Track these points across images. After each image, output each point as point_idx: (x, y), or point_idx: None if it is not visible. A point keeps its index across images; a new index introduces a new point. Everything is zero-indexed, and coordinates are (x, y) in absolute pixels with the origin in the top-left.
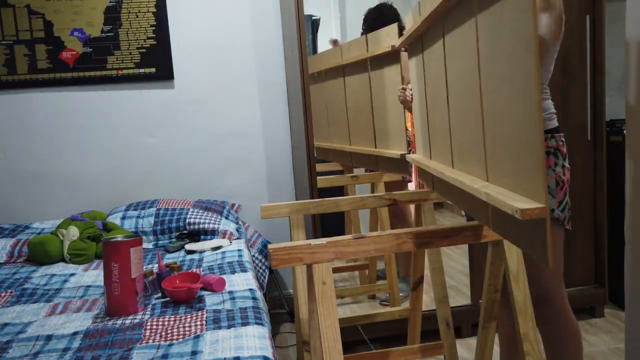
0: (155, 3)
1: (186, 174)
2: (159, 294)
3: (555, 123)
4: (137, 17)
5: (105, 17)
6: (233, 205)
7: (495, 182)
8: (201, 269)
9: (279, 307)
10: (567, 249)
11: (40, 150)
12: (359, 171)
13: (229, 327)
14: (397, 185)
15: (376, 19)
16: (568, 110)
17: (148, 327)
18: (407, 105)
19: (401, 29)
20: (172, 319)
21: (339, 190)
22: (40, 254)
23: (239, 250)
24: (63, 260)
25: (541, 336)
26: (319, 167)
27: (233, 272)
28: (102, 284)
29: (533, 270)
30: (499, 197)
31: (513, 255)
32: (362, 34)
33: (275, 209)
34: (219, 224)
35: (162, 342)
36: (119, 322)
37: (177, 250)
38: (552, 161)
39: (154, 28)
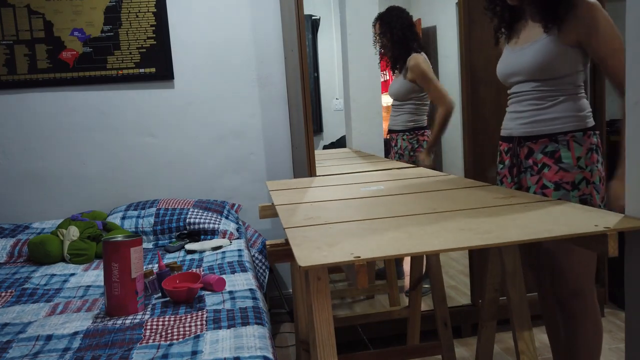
0: (155, 3)
1: (186, 174)
2: (159, 294)
3: (593, 121)
4: (137, 17)
5: (105, 17)
6: (233, 205)
7: None
8: (201, 269)
9: (279, 307)
10: None
11: (40, 150)
12: None
13: (229, 327)
14: None
15: (392, 20)
16: None
17: (148, 327)
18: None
19: (415, 29)
20: (172, 319)
21: None
22: (40, 254)
23: (239, 250)
24: (63, 260)
25: (565, 332)
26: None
27: (233, 272)
28: (102, 284)
29: (566, 265)
30: None
31: (510, 255)
32: (377, 36)
33: (274, 208)
34: (219, 224)
35: (162, 342)
36: (119, 322)
37: (177, 250)
38: (596, 158)
39: (154, 28)
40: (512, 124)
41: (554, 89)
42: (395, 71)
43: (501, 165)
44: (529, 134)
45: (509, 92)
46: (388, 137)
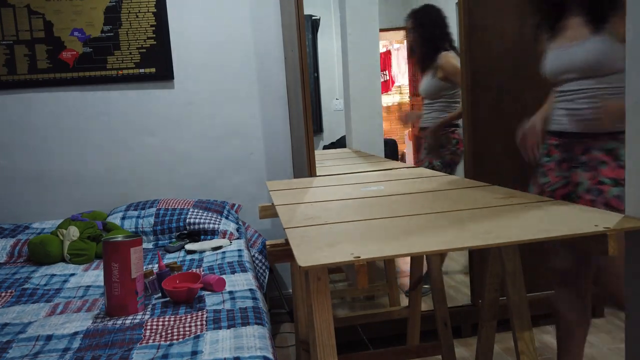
0: (155, 3)
1: (186, 174)
2: (159, 294)
3: None
4: (137, 17)
5: (105, 17)
6: (233, 205)
7: None
8: (201, 269)
9: (279, 307)
10: None
11: (40, 150)
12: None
13: (229, 327)
14: None
15: (424, 18)
16: None
17: (148, 327)
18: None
19: (447, 31)
20: (172, 319)
21: None
22: (40, 254)
23: (239, 250)
24: (63, 260)
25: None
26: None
27: (233, 272)
28: (102, 284)
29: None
30: None
31: (510, 255)
32: (408, 33)
33: (274, 208)
34: (219, 224)
35: (162, 342)
36: (119, 322)
37: (177, 250)
38: None
39: (154, 28)
40: (566, 119)
41: (609, 86)
42: (426, 70)
43: (548, 158)
44: (587, 131)
45: (557, 89)
46: (419, 135)
